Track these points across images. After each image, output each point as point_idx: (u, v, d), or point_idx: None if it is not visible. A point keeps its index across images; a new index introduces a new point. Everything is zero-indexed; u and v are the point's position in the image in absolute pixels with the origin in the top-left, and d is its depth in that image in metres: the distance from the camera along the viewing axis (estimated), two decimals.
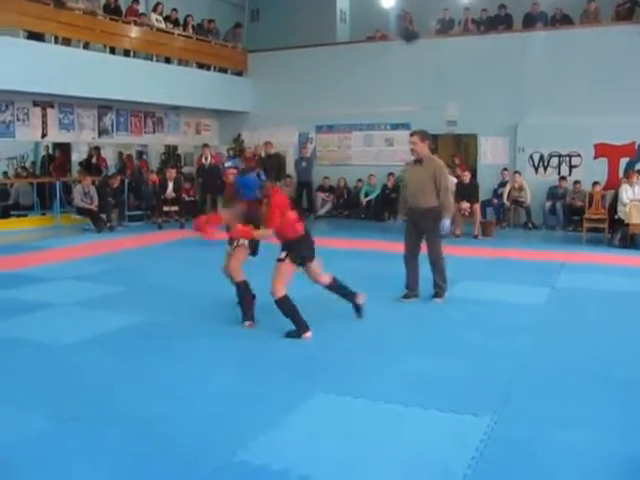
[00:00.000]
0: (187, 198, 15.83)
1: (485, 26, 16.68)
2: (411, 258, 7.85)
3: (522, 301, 7.92)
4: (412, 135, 7.56)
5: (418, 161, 7.56)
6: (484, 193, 14.72)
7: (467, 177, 13.92)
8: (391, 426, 4.30)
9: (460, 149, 18.89)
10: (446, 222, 7.58)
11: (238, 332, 6.53)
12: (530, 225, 14.98)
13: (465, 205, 13.46)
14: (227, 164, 7.72)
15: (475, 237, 13.35)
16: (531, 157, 15.67)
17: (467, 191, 13.66)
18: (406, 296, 7.88)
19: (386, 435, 4.16)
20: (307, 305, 7.27)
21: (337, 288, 6.77)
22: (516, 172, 15.11)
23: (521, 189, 14.93)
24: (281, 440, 4.09)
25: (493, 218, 14.96)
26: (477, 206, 13.69)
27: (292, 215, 6.29)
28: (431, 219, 7.60)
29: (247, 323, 6.73)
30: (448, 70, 16.21)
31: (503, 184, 15.27)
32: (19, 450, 3.97)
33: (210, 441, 4.06)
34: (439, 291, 7.90)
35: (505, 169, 15.45)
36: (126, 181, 16.14)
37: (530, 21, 16.40)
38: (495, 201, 15.18)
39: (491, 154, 16.20)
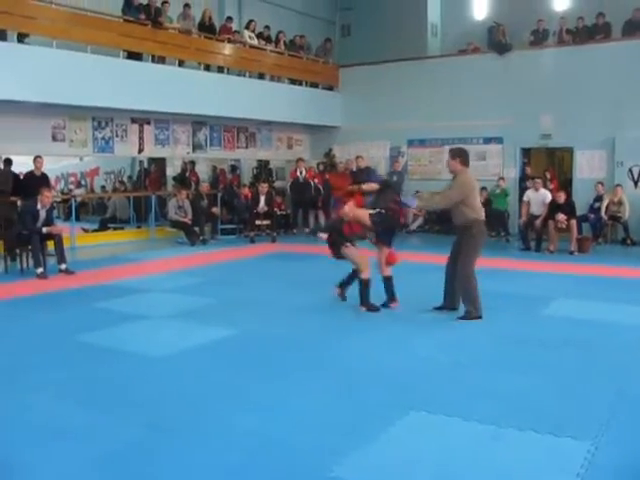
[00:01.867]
0: (279, 212, 15.97)
1: (581, 36, 16.20)
2: (449, 274, 7.82)
3: (622, 320, 7.59)
4: (450, 153, 7.80)
5: (454, 178, 7.71)
6: (580, 208, 14.27)
7: (562, 197, 13.44)
8: (487, 447, 4.17)
9: (554, 163, 18.41)
10: (413, 201, 7.83)
11: (330, 345, 6.52)
12: (629, 241, 14.40)
13: (561, 217, 13.05)
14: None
15: (571, 253, 12.94)
16: (630, 171, 15.10)
17: (562, 210, 13.22)
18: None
19: (482, 456, 4.04)
20: (396, 315, 7.27)
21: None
22: (617, 185, 14.56)
23: (620, 203, 14.39)
24: (376, 457, 4.03)
25: (589, 234, 14.47)
26: (574, 221, 13.25)
27: None
28: (465, 235, 7.59)
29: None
30: (542, 82, 15.86)
31: (599, 199, 14.75)
32: (116, 458, 4.05)
33: (305, 456, 4.04)
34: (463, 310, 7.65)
35: (600, 183, 14.91)
36: (219, 195, 16.43)
37: (631, 28, 15.80)
38: (592, 216, 14.68)
39: (587, 168, 15.72)
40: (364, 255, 7.99)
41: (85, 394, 5.19)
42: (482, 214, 7.67)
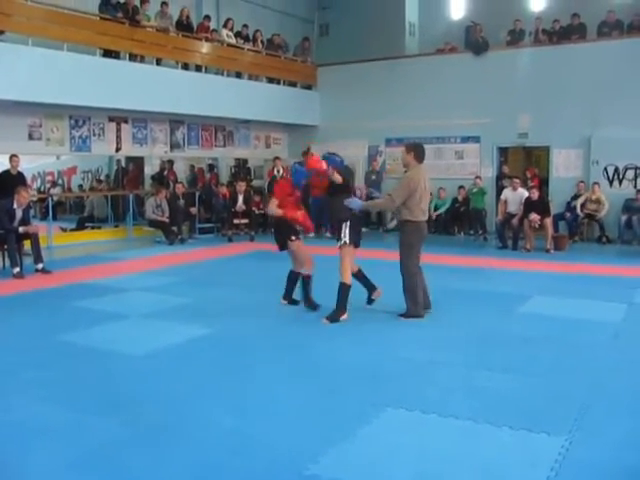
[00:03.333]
0: (257, 211, 15.96)
1: (557, 36, 16.35)
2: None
3: (597, 318, 7.70)
4: (403, 146, 7.89)
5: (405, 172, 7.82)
6: (556, 206, 14.40)
7: (535, 194, 13.55)
8: (463, 443, 4.22)
9: (532, 162, 18.57)
10: (356, 202, 7.53)
11: (304, 343, 6.56)
12: (604, 239, 14.55)
13: (534, 217, 13.16)
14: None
15: (547, 251, 13.05)
16: (605, 170, 15.25)
17: (535, 208, 13.33)
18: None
19: (458, 452, 4.08)
20: (369, 315, 7.32)
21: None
22: (595, 183, 14.69)
23: (599, 202, 14.52)
24: (352, 454, 4.06)
25: (566, 232, 14.62)
26: (549, 220, 13.37)
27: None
28: (401, 234, 7.71)
29: (325, 321, 7.37)
30: (519, 82, 16.01)
31: (577, 197, 14.90)
32: (96, 456, 4.06)
33: (281, 454, 4.07)
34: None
35: (581, 181, 15.08)
36: (197, 194, 16.40)
37: (606, 29, 15.98)
38: (568, 214, 14.83)
39: (564, 167, 15.85)
40: (309, 251, 8.09)
41: (65, 393, 5.18)
42: (420, 215, 7.53)
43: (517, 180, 14.08)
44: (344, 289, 7.38)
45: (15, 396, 5.11)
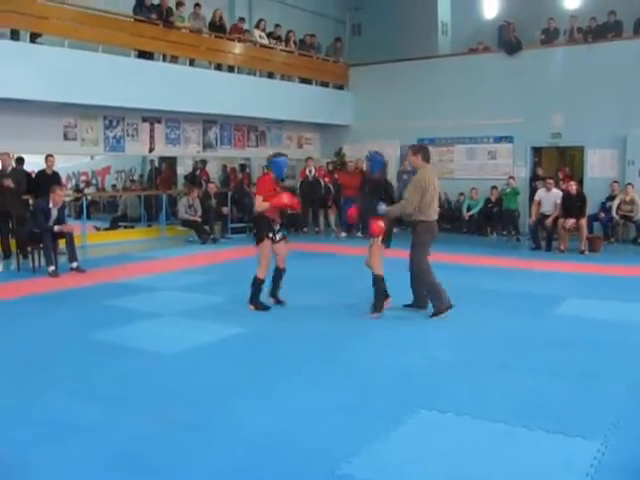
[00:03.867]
0: (289, 211, 15.91)
1: (592, 35, 16.14)
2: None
3: (633, 320, 7.58)
4: (408, 149, 8.15)
5: (414, 173, 8.00)
6: (591, 207, 14.21)
7: (573, 188, 13.43)
8: (496, 446, 4.18)
9: (565, 162, 18.36)
10: (382, 207, 7.47)
11: (337, 343, 6.55)
12: None
13: (570, 222, 13.02)
14: None
15: (581, 253, 12.89)
16: None
17: (574, 204, 13.19)
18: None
19: (491, 455, 4.05)
20: (401, 315, 7.30)
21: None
22: (628, 184, 14.49)
23: (632, 202, 14.33)
24: (385, 456, 4.05)
25: (600, 233, 14.43)
26: (584, 221, 13.20)
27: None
28: (413, 233, 7.76)
29: (375, 315, 7.58)
30: (553, 81, 15.83)
31: (612, 198, 14.71)
32: (127, 455, 4.09)
33: (313, 453, 4.07)
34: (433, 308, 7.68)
35: (615, 182, 14.88)
36: (229, 194, 16.48)
37: None
38: (602, 215, 14.63)
39: (598, 167, 15.65)
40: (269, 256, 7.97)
41: (97, 391, 5.23)
42: (432, 214, 7.65)
43: (550, 181, 13.95)
44: (379, 281, 7.65)
45: (49, 392, 5.17)
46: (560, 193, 13.51)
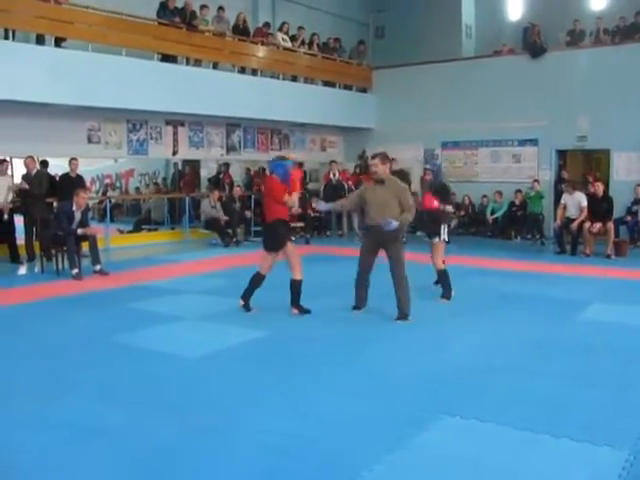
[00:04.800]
0: (312, 214, 15.94)
1: (619, 36, 15.95)
2: (365, 275, 7.94)
3: None
4: (373, 158, 7.89)
5: (380, 182, 7.75)
6: (617, 211, 14.01)
7: (600, 189, 13.27)
8: (520, 454, 4.11)
9: (591, 165, 18.17)
10: (393, 223, 7.43)
11: (360, 349, 6.49)
12: None
13: (597, 226, 12.85)
14: None
15: (608, 257, 12.71)
16: None
17: (600, 206, 13.02)
18: (357, 307, 8.04)
19: (515, 464, 3.98)
20: (424, 320, 7.23)
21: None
22: None
23: None
24: (407, 463, 3.99)
25: (627, 237, 14.23)
26: (611, 224, 13.03)
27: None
28: (392, 237, 7.68)
29: (445, 300, 8.61)
30: (578, 83, 15.67)
31: (637, 201, 14.50)
32: (148, 459, 4.07)
33: (335, 459, 4.03)
34: (401, 313, 7.62)
35: (639, 185, 14.67)
36: (252, 197, 16.49)
37: None
38: (629, 219, 14.44)
39: (625, 170, 15.45)
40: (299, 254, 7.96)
41: (118, 394, 5.23)
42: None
43: (572, 184, 13.74)
44: (444, 275, 8.67)
45: (71, 395, 5.17)
46: (583, 196, 13.36)
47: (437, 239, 8.60)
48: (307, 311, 7.82)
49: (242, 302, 8.03)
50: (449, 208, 8.76)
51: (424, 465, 3.96)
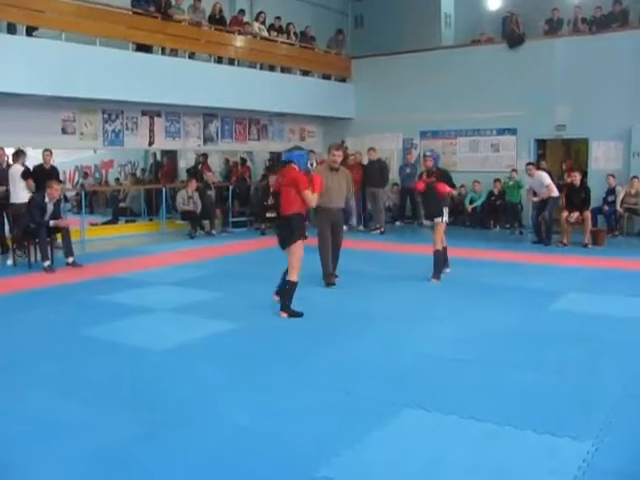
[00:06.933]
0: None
1: (597, 25, 15.91)
2: (329, 249, 9.08)
3: (634, 315, 7.42)
4: (338, 149, 9.32)
5: (335, 170, 9.18)
6: (595, 200, 14.01)
7: (577, 178, 13.24)
8: (482, 447, 4.06)
9: (570, 154, 18.17)
10: (354, 218, 9.19)
11: (328, 341, 6.45)
12: None
13: (574, 215, 12.84)
14: None
15: (585, 246, 12.71)
16: None
17: (577, 196, 13.02)
18: (331, 283, 8.99)
19: (475, 457, 3.93)
20: (395, 312, 7.18)
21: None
22: (634, 177, 14.29)
23: (638, 195, 14.14)
24: (366, 456, 3.95)
25: (604, 226, 14.24)
26: (588, 213, 13.01)
27: None
28: (342, 217, 9.63)
29: (434, 280, 9.20)
30: (557, 72, 15.61)
31: (611, 191, 14.50)
32: (109, 453, 4.02)
33: (293, 455, 3.97)
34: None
35: (611, 175, 14.64)
36: (230, 188, 16.39)
37: None
38: (606, 208, 14.44)
39: (603, 159, 15.44)
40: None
41: (83, 388, 5.16)
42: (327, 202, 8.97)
43: (529, 166, 13.67)
44: (438, 255, 9.22)
45: (31, 391, 5.10)
46: (544, 174, 13.37)
47: (439, 219, 9.23)
48: (298, 314, 7.32)
49: (276, 297, 7.72)
50: (454, 192, 9.79)
51: (382, 458, 3.91)
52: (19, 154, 11.87)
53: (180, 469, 3.82)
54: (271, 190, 7.30)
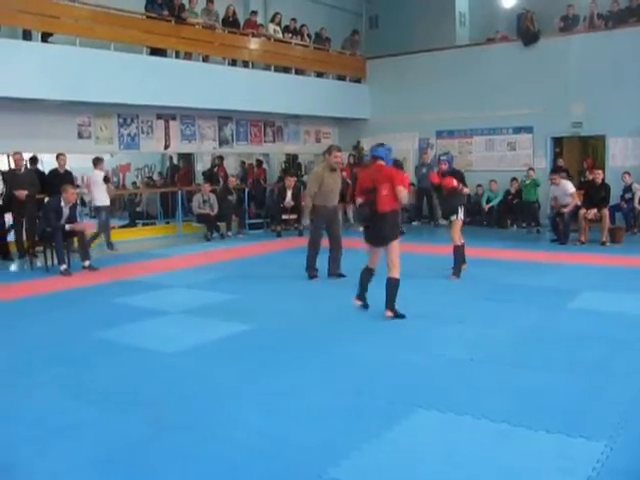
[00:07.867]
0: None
1: (614, 20, 15.76)
2: (318, 245, 9.54)
3: None
4: (339, 151, 9.65)
5: (334, 170, 9.51)
6: (613, 197, 13.86)
7: (599, 176, 13.12)
8: (495, 447, 4.02)
9: (587, 152, 18.03)
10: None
11: (342, 342, 6.40)
12: None
13: (592, 212, 12.72)
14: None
15: (603, 244, 12.59)
16: None
17: (597, 193, 12.88)
18: (313, 276, 9.47)
19: (489, 457, 3.89)
20: (410, 311, 7.12)
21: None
22: None
23: None
24: (376, 459, 3.90)
25: (622, 224, 14.10)
26: (606, 211, 12.88)
27: None
28: (338, 213, 10.10)
29: (454, 277, 9.38)
30: (573, 69, 15.52)
31: (628, 189, 14.34)
32: (119, 455, 4.02)
33: (303, 456, 3.95)
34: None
35: (627, 172, 14.47)
36: (246, 190, 16.42)
37: None
38: (624, 205, 14.30)
39: (621, 156, 15.30)
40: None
41: (93, 391, 5.16)
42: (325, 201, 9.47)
43: (554, 176, 13.47)
44: (458, 251, 9.38)
45: (40, 393, 5.12)
46: (569, 183, 13.19)
47: (455, 216, 9.44)
48: (402, 316, 7.13)
49: (358, 301, 7.59)
50: (466, 190, 9.83)
51: (392, 460, 3.87)
52: (99, 160, 12.79)
53: (190, 471, 3.80)
54: (363, 187, 7.07)
